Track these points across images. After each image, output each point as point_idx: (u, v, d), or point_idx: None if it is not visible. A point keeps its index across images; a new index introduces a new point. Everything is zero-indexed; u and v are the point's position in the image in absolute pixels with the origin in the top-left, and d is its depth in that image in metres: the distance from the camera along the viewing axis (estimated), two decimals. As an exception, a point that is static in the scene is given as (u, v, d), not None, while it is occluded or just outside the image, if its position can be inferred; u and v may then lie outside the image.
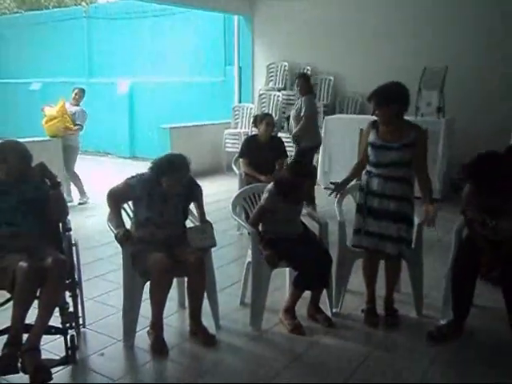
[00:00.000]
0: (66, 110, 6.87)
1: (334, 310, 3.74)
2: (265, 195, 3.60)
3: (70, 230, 3.32)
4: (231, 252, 5.05)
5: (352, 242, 3.63)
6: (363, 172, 3.62)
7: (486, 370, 3.08)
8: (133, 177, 3.44)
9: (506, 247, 3.23)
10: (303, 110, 6.34)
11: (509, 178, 3.10)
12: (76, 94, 7.12)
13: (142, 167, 3.56)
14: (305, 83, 6.52)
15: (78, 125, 6.98)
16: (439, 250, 4.67)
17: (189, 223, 3.62)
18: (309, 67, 9.11)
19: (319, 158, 7.78)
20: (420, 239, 3.71)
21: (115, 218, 3.39)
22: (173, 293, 3.74)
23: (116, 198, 3.45)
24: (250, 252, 3.67)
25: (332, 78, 8.90)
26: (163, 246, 3.33)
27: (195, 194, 3.60)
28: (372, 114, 3.53)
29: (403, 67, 7.87)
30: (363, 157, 3.62)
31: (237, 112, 9.42)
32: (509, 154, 3.89)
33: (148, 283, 3.27)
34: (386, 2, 8.32)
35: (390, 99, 3.41)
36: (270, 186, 3.63)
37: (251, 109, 9.29)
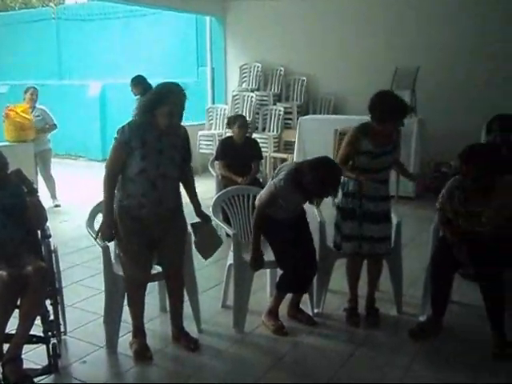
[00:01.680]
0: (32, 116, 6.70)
1: (315, 310, 3.76)
2: (280, 183, 3.33)
3: (49, 236, 3.27)
4: (210, 254, 5.03)
5: (348, 250, 3.58)
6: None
7: (465, 365, 3.15)
8: (121, 131, 3.04)
9: (481, 243, 3.28)
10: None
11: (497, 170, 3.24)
12: (32, 94, 6.82)
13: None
14: (134, 87, 6.87)
15: (53, 125, 6.89)
16: (415, 248, 4.74)
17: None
18: (282, 67, 9.15)
19: (294, 158, 7.82)
20: (399, 237, 3.77)
21: (108, 200, 3.09)
22: (154, 297, 3.74)
23: (114, 172, 3.07)
24: (231, 254, 3.68)
25: (305, 78, 8.95)
26: (146, 234, 3.15)
27: (189, 149, 3.29)
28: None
29: (375, 67, 8.00)
30: (346, 162, 3.54)
31: (210, 113, 9.41)
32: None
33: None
34: (357, 2, 8.41)
35: (391, 115, 3.42)
36: (287, 172, 3.35)
37: (225, 110, 9.28)
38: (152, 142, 3.04)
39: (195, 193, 3.41)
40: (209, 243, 3.40)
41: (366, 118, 6.90)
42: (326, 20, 8.67)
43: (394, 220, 3.74)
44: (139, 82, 6.79)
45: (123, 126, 3.07)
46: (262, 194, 3.48)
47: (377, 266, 3.67)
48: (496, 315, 3.29)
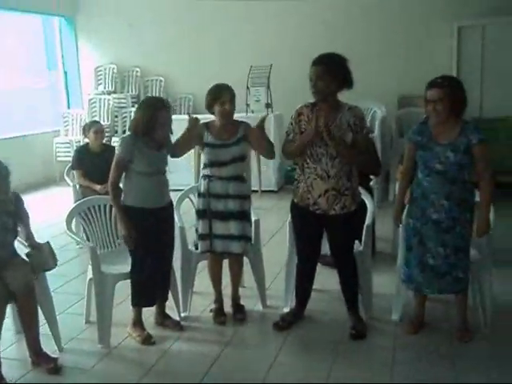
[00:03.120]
0: None
1: (182, 314, 3.75)
2: (119, 143, 3.38)
3: None
4: (72, 268, 4.81)
5: (201, 248, 3.61)
6: (200, 176, 3.65)
7: (326, 349, 3.31)
8: None
9: (332, 223, 3.38)
10: None
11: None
12: None
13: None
14: None
15: None
16: (279, 240, 4.88)
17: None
18: (138, 68, 8.99)
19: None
20: (258, 234, 3.87)
21: None
22: (7, 322, 3.49)
23: None
24: (90, 268, 3.54)
25: (162, 78, 8.87)
26: None
27: (22, 210, 3.31)
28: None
29: (231, 66, 8.15)
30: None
31: (66, 119, 8.97)
32: None
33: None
34: (210, 3, 8.47)
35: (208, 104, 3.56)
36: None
37: (81, 115, 8.90)
38: None
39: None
40: (46, 258, 3.27)
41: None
42: (180, 20, 8.64)
43: (253, 217, 3.84)
44: None
45: None
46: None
47: (237, 263, 3.73)
48: (351, 298, 3.51)
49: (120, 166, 3.35)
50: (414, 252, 3.32)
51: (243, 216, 3.59)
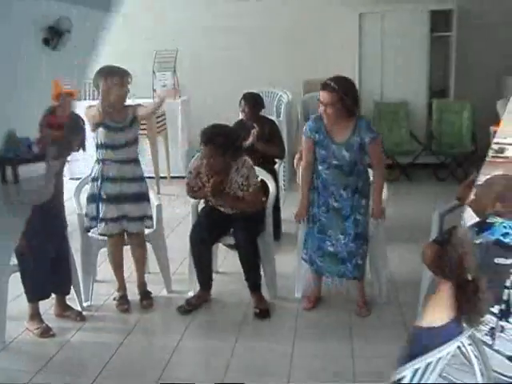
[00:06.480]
0: None
1: (84, 304, 3.65)
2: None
3: None
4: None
5: (99, 231, 3.57)
6: (94, 161, 3.60)
7: (230, 329, 3.35)
8: None
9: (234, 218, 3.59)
10: None
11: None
12: None
13: None
14: None
15: None
16: (182, 228, 4.82)
17: None
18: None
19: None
20: (160, 219, 3.84)
21: None
22: None
23: None
24: (-19, 261, 3.36)
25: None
26: None
27: None
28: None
29: (136, 52, 7.94)
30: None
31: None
32: None
33: None
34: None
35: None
36: None
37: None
38: None
39: None
40: None
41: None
42: None
43: (155, 202, 3.81)
44: None
45: None
46: None
47: (138, 247, 3.70)
48: (253, 278, 3.57)
49: None
50: (314, 239, 3.45)
51: (141, 197, 3.62)
